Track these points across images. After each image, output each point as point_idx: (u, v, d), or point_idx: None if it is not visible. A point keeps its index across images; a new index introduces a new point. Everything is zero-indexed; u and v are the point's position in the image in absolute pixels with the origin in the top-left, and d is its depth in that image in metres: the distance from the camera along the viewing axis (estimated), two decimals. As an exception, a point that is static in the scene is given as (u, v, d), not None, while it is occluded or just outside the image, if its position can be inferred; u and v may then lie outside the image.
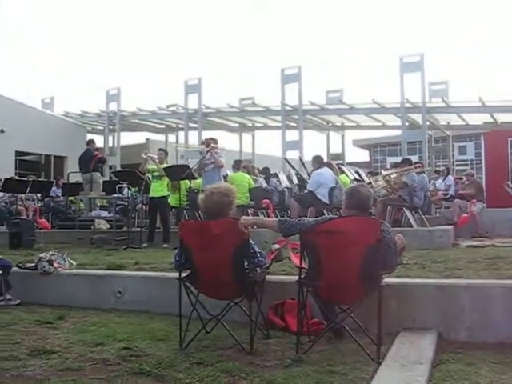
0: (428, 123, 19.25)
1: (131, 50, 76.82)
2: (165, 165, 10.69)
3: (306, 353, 3.96)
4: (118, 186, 12.16)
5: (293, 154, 18.82)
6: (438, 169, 17.99)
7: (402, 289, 4.69)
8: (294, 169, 12.81)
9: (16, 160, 22.63)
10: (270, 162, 17.23)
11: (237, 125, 24.66)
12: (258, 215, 11.17)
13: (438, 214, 13.11)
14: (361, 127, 23.66)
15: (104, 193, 12.69)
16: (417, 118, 19.32)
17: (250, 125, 24.69)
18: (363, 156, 29.26)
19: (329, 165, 11.12)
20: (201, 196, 4.59)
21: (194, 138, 22.00)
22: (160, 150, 11.26)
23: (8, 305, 5.85)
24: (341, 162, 19.00)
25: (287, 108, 20.15)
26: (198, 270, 4.28)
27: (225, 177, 11.52)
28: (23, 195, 13.37)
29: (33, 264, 6.43)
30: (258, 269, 4.34)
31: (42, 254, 6.44)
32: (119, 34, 78.37)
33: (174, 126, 25.71)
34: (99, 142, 22.57)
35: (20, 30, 66.92)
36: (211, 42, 72.64)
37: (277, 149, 22.07)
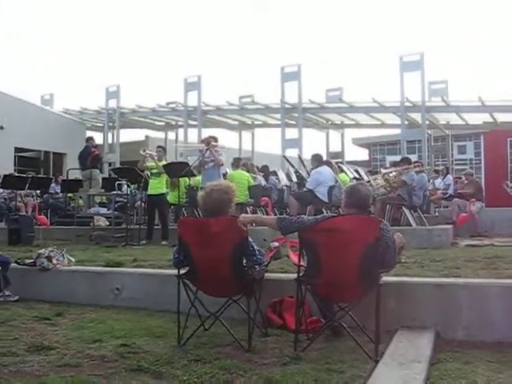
0: (427, 122, 19.25)
1: (131, 48, 76.73)
2: (164, 162, 10.70)
3: (304, 351, 3.97)
4: (117, 182, 12.16)
5: (292, 152, 18.83)
6: (437, 168, 18.00)
7: (400, 287, 4.70)
8: (293, 167, 12.80)
9: (15, 156, 22.62)
10: (270, 160, 17.21)
11: (236, 122, 24.65)
12: (256, 213, 11.17)
13: (436, 213, 13.13)
14: (360, 126, 23.65)
15: (103, 190, 12.68)
16: (416, 117, 19.33)
17: (250, 123, 24.67)
18: (363, 155, 29.28)
19: (328, 163, 11.12)
20: (200, 193, 4.60)
21: (193, 136, 22.02)
22: (158, 147, 11.26)
23: (7, 301, 5.85)
24: (340, 160, 19.00)
25: (287, 106, 20.13)
26: (197, 267, 4.28)
27: (224, 175, 11.52)
28: (22, 191, 13.36)
29: (31, 260, 6.43)
30: (256, 266, 4.35)
31: (41, 251, 6.43)
32: (119, 31, 78.34)
33: (174, 123, 25.69)
34: (99, 138, 22.54)
35: (20, 28, 66.88)
36: (211, 39, 72.68)
37: (276, 147, 22.10)
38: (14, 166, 21.67)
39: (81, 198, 13.96)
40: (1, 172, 13.99)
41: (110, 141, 24.69)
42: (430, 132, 21.32)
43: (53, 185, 15.28)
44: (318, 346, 4.09)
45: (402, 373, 3.39)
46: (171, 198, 11.20)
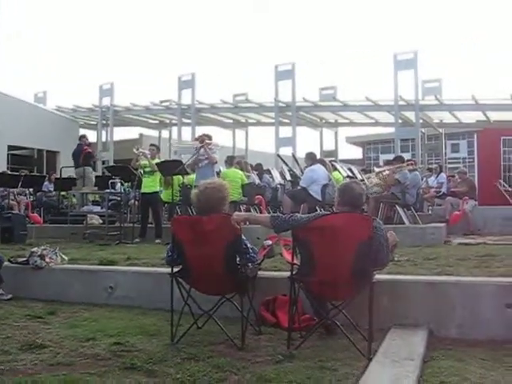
0: (421, 121, 19.30)
1: (125, 45, 76.61)
2: (157, 160, 10.69)
3: (297, 348, 3.97)
4: (111, 181, 12.13)
5: (286, 151, 18.82)
6: (430, 166, 18.06)
7: (393, 285, 4.71)
8: (286, 165, 12.81)
9: (8, 154, 22.52)
10: (263, 159, 17.21)
11: (230, 121, 24.63)
12: (250, 211, 11.17)
13: (430, 212, 13.18)
14: (354, 124, 23.68)
15: (96, 188, 12.65)
16: (410, 115, 19.37)
17: (244, 121, 24.66)
18: (356, 153, 29.35)
19: (322, 162, 11.14)
20: (194, 192, 4.59)
21: (187, 134, 21.98)
22: (152, 145, 11.24)
23: (-1, 299, 5.84)
24: (334, 159, 19.02)
25: (281, 104, 20.14)
26: (190, 265, 4.28)
27: (218, 173, 11.51)
28: (15, 190, 13.31)
29: (24, 259, 6.40)
30: (249, 264, 4.35)
31: (34, 249, 6.40)
32: (114, 29, 78.14)
33: (168, 121, 25.65)
34: (92, 137, 22.50)
35: (15, 27, 66.62)
36: (205, 38, 72.60)
37: (270, 145, 22.09)
38: (7, 164, 21.56)
39: (74, 196, 13.93)
40: (-6, 170, 13.94)
41: (103, 139, 24.61)
42: (423, 130, 21.36)
43: (46, 183, 15.22)
44: (312, 344, 4.09)
45: (395, 370, 3.40)
46: (165, 196, 11.20)
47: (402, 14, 74.31)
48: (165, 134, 26.77)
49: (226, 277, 4.22)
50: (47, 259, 6.25)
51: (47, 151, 24.21)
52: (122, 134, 27.18)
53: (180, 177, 10.74)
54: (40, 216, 13.32)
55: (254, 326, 4.52)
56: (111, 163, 20.82)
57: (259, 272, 4.71)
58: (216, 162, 10.50)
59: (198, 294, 4.46)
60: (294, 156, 14.70)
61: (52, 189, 15.29)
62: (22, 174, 13.78)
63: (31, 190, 14.64)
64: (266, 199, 11.97)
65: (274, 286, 4.97)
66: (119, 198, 12.31)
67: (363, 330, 4.01)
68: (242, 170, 11.84)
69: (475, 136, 23.65)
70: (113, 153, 23.25)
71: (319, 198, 10.10)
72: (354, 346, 3.83)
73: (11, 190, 13.01)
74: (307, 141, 25.28)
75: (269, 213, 10.93)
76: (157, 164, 10.38)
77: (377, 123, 22.72)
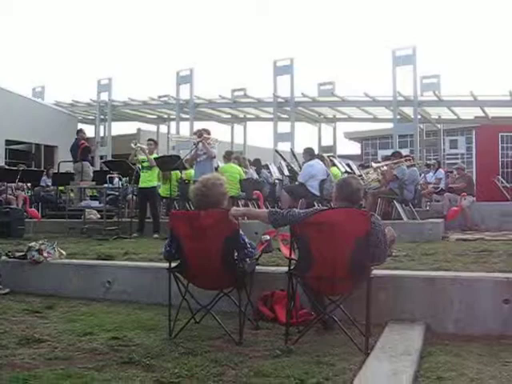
0: (419, 117, 19.26)
1: (124, 40, 76.45)
2: (155, 155, 10.69)
3: (294, 343, 3.98)
4: (109, 175, 12.12)
5: (284, 146, 18.80)
6: (428, 162, 18.07)
7: (391, 281, 4.71)
8: (284, 160, 12.80)
9: (6, 149, 22.47)
10: (261, 154, 17.20)
11: (228, 116, 24.58)
12: (248, 206, 11.17)
13: (428, 207, 13.18)
14: (352, 120, 23.64)
15: (94, 182, 12.64)
16: (408, 111, 19.32)
17: (242, 116, 24.61)
18: (354, 149, 29.34)
19: (320, 157, 11.15)
20: (194, 186, 4.59)
21: (185, 129, 21.94)
22: (149, 140, 11.23)
23: (-3, 294, 5.84)
24: (332, 154, 19.00)
25: (279, 100, 20.08)
26: (188, 260, 4.28)
27: (216, 168, 11.51)
28: (13, 184, 13.30)
29: (22, 253, 6.40)
30: (247, 259, 4.36)
31: (32, 244, 6.40)
32: (112, 23, 77.94)
33: (166, 116, 25.59)
34: (90, 131, 22.43)
35: (13, 20, 66.43)
36: (204, 33, 72.45)
37: (268, 140, 22.07)
38: (5, 158, 21.54)
39: (72, 190, 13.92)
40: (-9, 164, 13.92)
41: (101, 134, 24.55)
42: (421, 126, 21.34)
43: (44, 178, 15.21)
44: (309, 339, 4.10)
45: (393, 365, 3.40)
46: (163, 191, 11.20)
47: (400, 9, 74.21)
48: (163, 129, 26.73)
49: (223, 272, 4.22)
50: (45, 254, 6.25)
51: (45, 146, 24.16)
52: (120, 128, 27.15)
53: (178, 172, 10.73)
54: (38, 211, 13.29)
55: (251, 320, 4.53)
56: (109, 158, 20.78)
57: (257, 267, 4.72)
58: (214, 157, 10.51)
59: (195, 288, 4.47)
60: (292, 151, 14.69)
61: (50, 183, 15.27)
62: (20, 168, 13.76)
63: (29, 184, 14.61)
64: (264, 194, 11.97)
65: (271, 281, 4.97)
66: (117, 193, 12.31)
67: (361, 325, 4.01)
68: (240, 165, 11.84)
69: (473, 132, 23.65)
70: (111, 148, 23.20)
71: (317, 193, 10.11)
72: (352, 341, 3.84)
73: (9, 184, 13.00)
74: (305, 136, 25.39)
75: (267, 208, 10.94)
76: (155, 159, 10.38)
77: (375, 119, 22.69)
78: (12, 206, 11.52)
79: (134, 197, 11.96)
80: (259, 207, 11.14)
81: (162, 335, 4.28)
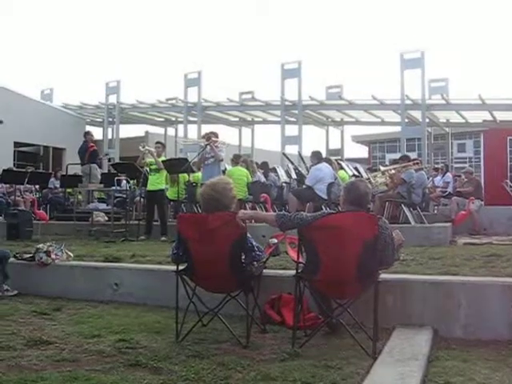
0: (427, 120, 19.21)
1: (132, 43, 76.70)
2: (163, 158, 10.71)
3: (301, 347, 3.97)
4: (117, 178, 12.14)
5: (292, 149, 18.79)
6: (436, 166, 18.02)
7: (398, 285, 4.70)
8: (292, 164, 12.79)
9: (14, 151, 22.56)
10: (269, 157, 17.19)
11: (236, 119, 24.60)
12: (256, 209, 11.17)
13: (435, 211, 13.14)
14: (360, 123, 23.61)
15: (102, 185, 12.67)
16: (416, 114, 19.28)
17: (250, 119, 24.62)
18: (362, 152, 29.27)
19: (328, 160, 11.13)
20: (201, 190, 4.59)
21: (193, 132, 21.96)
22: (157, 142, 11.24)
23: (5, 295, 5.85)
24: (339, 157, 18.98)
25: (287, 103, 20.08)
26: (196, 262, 4.28)
27: (223, 171, 11.52)
28: (21, 186, 13.36)
29: (30, 255, 6.42)
30: (255, 263, 4.35)
31: (40, 245, 6.43)
32: (120, 26, 78.24)
33: (174, 119, 25.63)
34: (98, 134, 22.51)
35: (22, 20, 66.78)
36: (212, 36, 72.59)
37: (276, 144, 22.04)
38: (14, 160, 21.63)
39: (80, 193, 13.95)
40: (0, 166, 13.97)
41: (109, 136, 24.62)
42: (429, 130, 21.27)
43: (52, 180, 15.27)
44: (316, 343, 4.09)
45: (400, 370, 3.39)
46: (170, 193, 11.21)
47: (409, 12, 74.14)
48: (171, 131, 26.76)
49: (231, 275, 4.21)
50: (53, 256, 6.27)
51: (53, 148, 24.24)
52: (128, 131, 27.21)
53: (186, 174, 10.75)
54: (46, 213, 13.33)
55: (258, 324, 4.53)
56: (117, 160, 20.82)
57: (264, 270, 4.72)
58: (222, 160, 10.52)
59: (203, 291, 4.47)
60: (300, 154, 14.69)
61: (58, 186, 15.32)
62: (29, 170, 13.83)
63: (37, 186, 14.67)
64: (272, 197, 11.95)
65: (279, 285, 4.97)
66: (125, 196, 12.33)
67: (368, 329, 4.01)
68: (247, 168, 11.84)
69: (482, 136, 23.56)
70: (119, 150, 23.25)
71: (325, 196, 10.09)
72: (359, 345, 3.83)
73: (17, 186, 13.06)
74: (313, 139, 25.39)
75: (274, 211, 10.93)
76: (163, 162, 10.40)
77: (383, 122, 22.65)
78: (20, 208, 11.56)
79: (142, 199, 11.97)
80: (267, 210, 11.13)
81: (169, 338, 4.28)
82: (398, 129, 20.21)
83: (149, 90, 58.49)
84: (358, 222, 3.93)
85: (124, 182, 12.93)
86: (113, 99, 23.64)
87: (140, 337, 4.30)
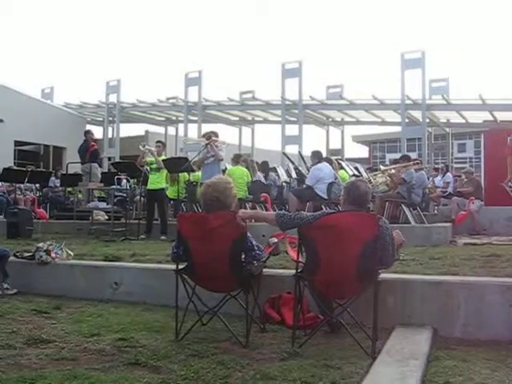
0: (428, 120, 19.25)
1: (132, 42, 76.71)
2: (163, 157, 10.72)
3: (301, 346, 3.97)
4: (117, 177, 12.14)
5: (292, 149, 18.81)
6: (437, 166, 18.03)
7: (398, 285, 4.70)
8: (292, 163, 12.80)
9: (15, 150, 22.60)
10: (269, 156, 17.20)
11: (237, 118, 24.64)
12: (256, 209, 11.17)
13: (436, 211, 13.14)
14: (360, 123, 23.65)
15: (102, 184, 12.69)
16: (417, 114, 19.32)
17: (250, 118, 24.66)
18: (362, 152, 29.33)
19: (328, 160, 11.13)
20: (201, 189, 4.60)
21: (193, 131, 22.03)
22: (158, 142, 11.26)
23: (5, 294, 5.85)
24: (340, 157, 18.99)
25: (287, 102, 20.11)
26: (196, 262, 4.28)
27: (224, 170, 11.53)
28: (22, 185, 13.37)
29: (30, 254, 6.42)
30: (255, 262, 4.35)
31: (40, 244, 6.42)
32: (121, 25, 78.25)
33: (174, 118, 25.68)
34: (98, 133, 22.55)
35: (23, 19, 66.80)
36: (213, 35, 72.57)
37: (276, 143, 22.09)
38: (14, 159, 21.66)
39: (80, 192, 13.96)
40: (0, 165, 13.98)
41: (110, 135, 24.65)
42: (430, 130, 21.30)
43: (52, 178, 15.30)
44: (316, 342, 4.09)
45: (399, 370, 3.39)
46: (170, 192, 11.22)
47: (409, 13, 74.09)
48: (171, 130, 26.81)
49: (231, 274, 4.21)
50: (53, 254, 6.28)
51: (54, 147, 24.28)
52: (128, 130, 27.32)
53: (186, 174, 10.75)
54: (46, 211, 13.35)
55: (258, 323, 4.52)
56: (117, 159, 20.84)
57: (264, 269, 4.72)
58: (222, 159, 10.53)
59: (202, 290, 4.46)
60: (300, 154, 14.68)
61: (58, 184, 15.34)
62: (29, 169, 13.84)
63: (37, 185, 14.69)
64: (272, 197, 11.96)
65: (279, 284, 4.97)
66: (125, 195, 12.34)
67: (368, 329, 4.01)
68: (247, 168, 11.84)
69: (482, 136, 23.57)
70: (119, 149, 23.27)
71: (325, 196, 10.10)
72: (359, 345, 3.83)
73: (18, 185, 13.08)
74: (313, 139, 25.41)
75: (274, 210, 10.93)
76: (163, 161, 10.41)
77: (383, 122, 22.68)
78: (20, 207, 11.58)
79: (142, 198, 11.98)
80: (267, 210, 11.13)
81: (169, 337, 4.28)
82: (398, 129, 20.25)
83: (149, 89, 58.69)
84: (358, 221, 3.93)
85: (124, 181, 12.95)
86: (113, 98, 23.69)
87: (139, 336, 4.30)
